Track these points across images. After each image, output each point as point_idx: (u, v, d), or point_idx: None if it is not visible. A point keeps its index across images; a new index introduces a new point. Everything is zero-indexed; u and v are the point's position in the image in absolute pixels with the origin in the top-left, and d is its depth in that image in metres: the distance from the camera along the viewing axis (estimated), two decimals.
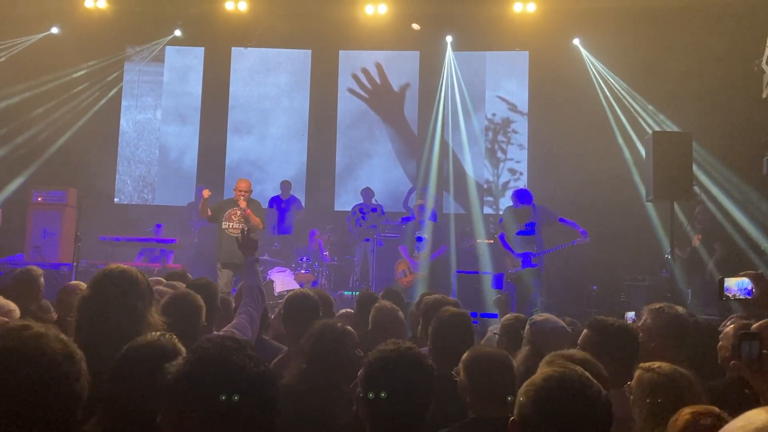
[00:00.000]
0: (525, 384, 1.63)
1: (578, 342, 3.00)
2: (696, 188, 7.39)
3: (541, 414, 1.55)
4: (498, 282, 8.28)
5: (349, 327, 2.95)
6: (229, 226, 7.49)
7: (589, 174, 9.74)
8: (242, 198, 7.44)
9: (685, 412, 1.90)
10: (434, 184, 10.69)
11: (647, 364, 2.34)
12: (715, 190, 9.23)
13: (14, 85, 10.59)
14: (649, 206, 9.04)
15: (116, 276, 2.43)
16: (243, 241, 3.72)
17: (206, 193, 7.44)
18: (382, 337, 3.00)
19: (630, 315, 7.17)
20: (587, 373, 1.63)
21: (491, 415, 2.43)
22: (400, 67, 12.02)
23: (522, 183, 11.02)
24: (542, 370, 1.70)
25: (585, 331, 2.99)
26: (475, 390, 2.53)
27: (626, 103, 10.47)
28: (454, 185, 11.32)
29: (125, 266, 2.53)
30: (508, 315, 4.11)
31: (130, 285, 2.42)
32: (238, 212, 7.47)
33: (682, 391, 2.21)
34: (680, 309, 3.24)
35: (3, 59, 10.73)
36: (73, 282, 4.54)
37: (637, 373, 2.33)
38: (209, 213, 7.54)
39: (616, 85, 10.59)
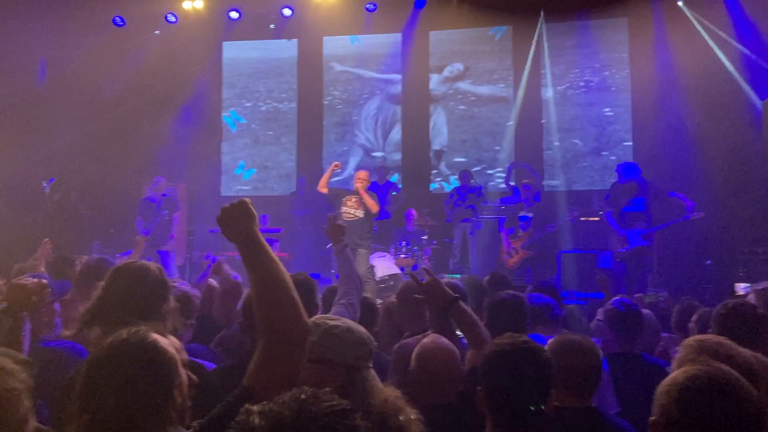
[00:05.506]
0: (666, 383, 1.56)
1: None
2: None
3: (689, 416, 1.47)
4: (605, 260, 8.00)
5: None
6: (344, 210, 7.81)
7: (700, 141, 9.21)
8: (359, 184, 7.79)
9: None
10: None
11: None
12: None
13: (116, 84, 11.16)
14: None
15: (125, 270, 2.45)
16: (330, 227, 3.51)
17: (337, 166, 7.91)
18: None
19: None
20: (736, 373, 1.53)
21: (574, 405, 2.37)
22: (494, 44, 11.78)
23: (628, 156, 10.55)
24: (685, 367, 1.60)
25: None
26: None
27: (745, 65, 9.68)
28: (555, 161, 11.02)
29: (138, 261, 2.57)
30: (612, 300, 3.89)
31: (138, 278, 2.42)
32: (353, 198, 7.80)
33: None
34: None
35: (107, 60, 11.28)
36: None
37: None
38: (326, 189, 7.83)
39: (731, 46, 9.81)
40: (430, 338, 2.66)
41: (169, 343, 1.67)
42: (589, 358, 2.48)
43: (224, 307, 3.80)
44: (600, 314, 4.79)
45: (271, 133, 12.46)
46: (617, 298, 3.64)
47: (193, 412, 1.68)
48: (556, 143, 11.07)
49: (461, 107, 11.74)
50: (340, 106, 12.30)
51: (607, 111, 11.03)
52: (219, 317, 3.76)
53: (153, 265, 2.54)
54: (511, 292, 3.54)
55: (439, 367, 2.50)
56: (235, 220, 1.70)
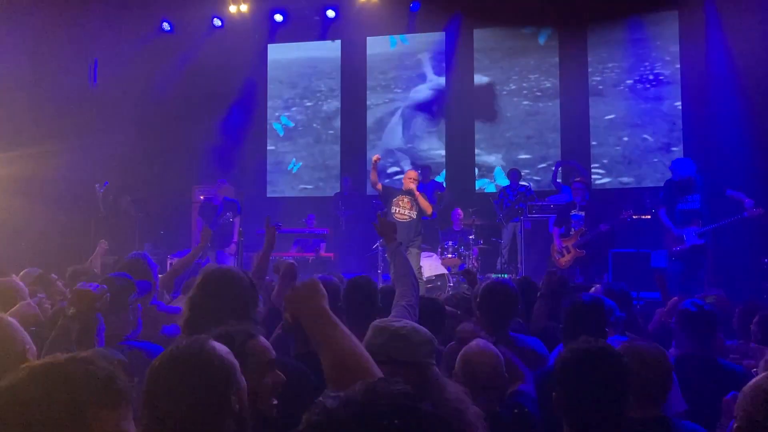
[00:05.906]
0: (750, 387, 1.51)
1: None
2: None
3: None
4: (659, 259, 7.78)
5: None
6: (396, 211, 7.69)
7: (757, 134, 8.92)
8: (413, 184, 7.66)
9: None
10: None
11: None
12: None
13: (165, 88, 11.36)
14: None
15: (216, 276, 2.52)
16: (380, 225, 3.38)
17: (376, 157, 7.79)
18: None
19: None
20: None
21: (644, 414, 2.28)
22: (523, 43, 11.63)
23: (680, 152, 10.28)
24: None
25: None
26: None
27: None
28: (602, 158, 10.82)
29: (224, 266, 2.66)
30: (684, 301, 3.77)
31: (231, 281, 2.49)
32: (405, 198, 7.66)
33: None
34: None
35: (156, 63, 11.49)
36: None
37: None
38: (380, 186, 7.77)
39: None
40: (475, 342, 2.64)
41: (227, 351, 1.66)
42: (658, 367, 2.39)
43: (283, 290, 3.85)
44: (658, 314, 4.69)
45: (316, 133, 12.55)
46: (688, 298, 3.53)
47: (291, 402, 1.72)
48: (624, 138, 10.88)
49: (525, 102, 11.58)
50: (384, 107, 12.29)
51: (662, 106, 10.77)
52: (277, 302, 3.81)
53: (238, 269, 2.62)
54: (590, 294, 3.47)
55: (482, 369, 2.48)
56: (307, 299, 1.71)
